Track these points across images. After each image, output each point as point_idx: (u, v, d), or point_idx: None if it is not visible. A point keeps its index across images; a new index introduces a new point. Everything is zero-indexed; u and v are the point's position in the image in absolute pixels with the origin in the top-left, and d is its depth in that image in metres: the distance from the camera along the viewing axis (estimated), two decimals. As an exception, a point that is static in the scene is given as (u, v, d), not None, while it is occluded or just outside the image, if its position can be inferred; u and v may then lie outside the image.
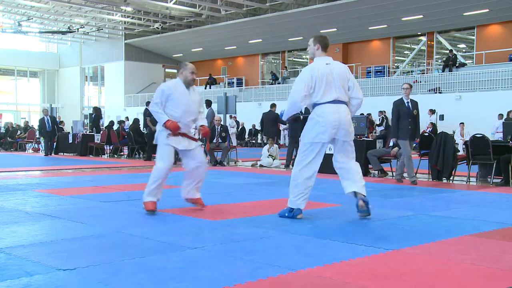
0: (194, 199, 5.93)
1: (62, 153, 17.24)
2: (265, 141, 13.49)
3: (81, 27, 34.05)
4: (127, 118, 27.21)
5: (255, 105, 29.66)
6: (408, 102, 8.91)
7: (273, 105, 14.18)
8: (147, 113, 15.06)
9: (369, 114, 21.21)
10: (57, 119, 20.87)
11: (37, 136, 20.92)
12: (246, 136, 27.42)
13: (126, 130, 17.53)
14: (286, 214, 5.20)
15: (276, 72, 34.50)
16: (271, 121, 13.23)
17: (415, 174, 9.04)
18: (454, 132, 16.81)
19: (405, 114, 8.80)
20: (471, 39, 27.01)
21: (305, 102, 5.15)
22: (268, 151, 12.78)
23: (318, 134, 5.11)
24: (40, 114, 17.46)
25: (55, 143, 17.04)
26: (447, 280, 3.19)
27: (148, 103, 16.50)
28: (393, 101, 9.22)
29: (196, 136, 6.96)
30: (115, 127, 18.78)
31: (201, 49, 36.04)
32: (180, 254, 3.73)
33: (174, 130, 5.50)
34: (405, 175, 9.77)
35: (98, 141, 16.46)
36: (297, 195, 5.13)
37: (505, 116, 16.93)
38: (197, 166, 5.82)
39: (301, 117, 11.90)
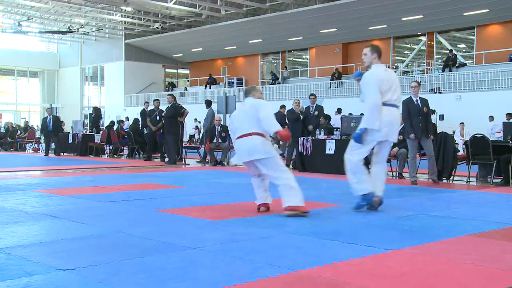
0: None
1: (62, 153, 17.24)
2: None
3: (81, 27, 34.04)
4: (127, 118, 27.19)
5: (255, 105, 29.61)
6: (417, 100, 8.93)
7: (282, 106, 14.15)
8: (146, 113, 15.07)
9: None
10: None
11: (37, 136, 20.94)
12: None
13: (126, 130, 17.54)
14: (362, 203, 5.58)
15: (276, 72, 34.50)
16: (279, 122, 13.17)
17: (416, 174, 9.04)
18: (454, 132, 16.80)
19: (415, 112, 8.82)
20: (471, 39, 27.01)
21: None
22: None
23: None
24: (41, 114, 17.46)
25: (53, 144, 17.01)
26: (447, 280, 3.19)
27: (146, 103, 16.49)
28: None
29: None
30: (114, 127, 18.78)
31: (201, 49, 36.04)
32: (180, 254, 3.73)
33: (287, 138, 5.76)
34: (405, 174, 9.78)
35: (98, 141, 16.46)
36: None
37: (504, 118, 16.93)
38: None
39: (301, 117, 11.92)
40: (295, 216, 5.25)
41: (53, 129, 16.50)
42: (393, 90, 5.58)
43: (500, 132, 13.67)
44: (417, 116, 8.79)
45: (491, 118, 18.38)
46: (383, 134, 5.53)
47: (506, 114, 18.06)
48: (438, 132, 9.87)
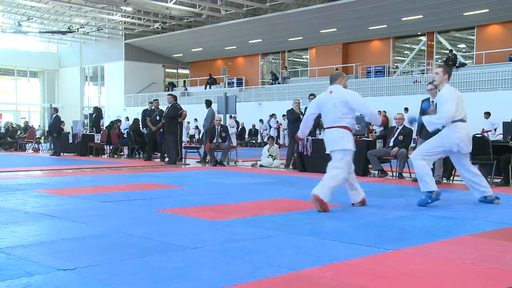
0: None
1: (62, 153, 17.24)
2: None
3: (81, 27, 34.04)
4: (127, 118, 27.19)
5: (255, 105, 29.67)
6: (433, 101, 8.93)
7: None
8: (147, 113, 15.07)
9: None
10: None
11: (37, 136, 20.96)
12: (246, 136, 27.42)
13: (126, 130, 17.53)
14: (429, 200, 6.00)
15: (276, 72, 34.50)
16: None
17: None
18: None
19: (430, 112, 8.84)
20: (471, 39, 27.01)
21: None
22: (268, 151, 12.79)
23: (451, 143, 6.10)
24: (41, 114, 17.43)
25: (51, 144, 17.00)
26: (447, 280, 3.19)
27: (151, 104, 16.46)
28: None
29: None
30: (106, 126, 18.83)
31: (201, 49, 36.04)
32: (180, 254, 3.73)
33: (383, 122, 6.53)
34: (405, 174, 9.78)
35: (98, 141, 16.46)
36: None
37: (504, 118, 16.91)
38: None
39: (301, 117, 11.91)
40: (316, 208, 5.63)
41: (50, 129, 16.51)
42: (463, 108, 6.22)
43: (494, 131, 13.49)
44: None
45: (487, 115, 18.40)
46: (457, 146, 6.11)
47: (485, 113, 18.18)
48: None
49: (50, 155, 16.56)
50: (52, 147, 17.63)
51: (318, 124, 11.76)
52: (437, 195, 5.99)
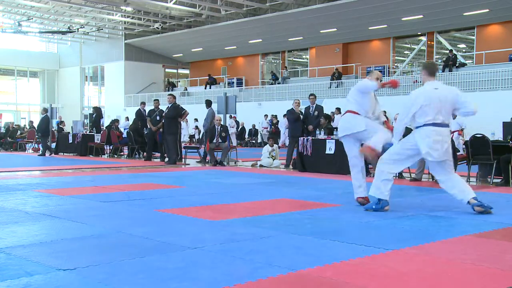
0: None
1: (62, 153, 17.25)
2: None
3: (81, 27, 34.04)
4: (127, 118, 27.21)
5: (255, 105, 29.66)
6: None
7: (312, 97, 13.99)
8: (146, 114, 15.07)
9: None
10: (57, 119, 20.82)
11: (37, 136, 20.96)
12: (246, 136, 27.43)
13: (126, 129, 17.54)
14: (373, 207, 5.73)
15: (276, 72, 34.50)
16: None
17: (420, 172, 9.09)
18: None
19: None
20: (471, 39, 27.01)
21: None
22: (269, 152, 12.79)
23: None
24: (41, 115, 17.38)
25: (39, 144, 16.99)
26: (447, 280, 3.19)
27: (143, 104, 16.47)
28: None
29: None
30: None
31: (201, 49, 36.04)
32: (180, 254, 3.73)
33: (395, 84, 6.00)
34: (405, 174, 9.79)
35: (98, 141, 16.46)
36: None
37: (504, 118, 16.85)
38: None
39: (301, 117, 11.92)
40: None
41: (41, 129, 16.46)
42: (435, 110, 5.66)
43: (458, 132, 13.13)
44: None
45: (454, 115, 18.22)
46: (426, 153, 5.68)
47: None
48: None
49: (38, 155, 16.52)
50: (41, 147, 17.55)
51: (318, 124, 11.79)
52: (383, 205, 5.70)
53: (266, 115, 26.47)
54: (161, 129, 13.67)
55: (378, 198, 5.72)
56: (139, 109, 16.05)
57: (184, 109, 13.66)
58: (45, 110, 17.20)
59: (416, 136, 5.63)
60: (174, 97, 13.63)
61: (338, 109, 20.01)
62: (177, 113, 13.23)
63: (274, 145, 13.20)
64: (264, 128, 26.23)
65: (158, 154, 14.58)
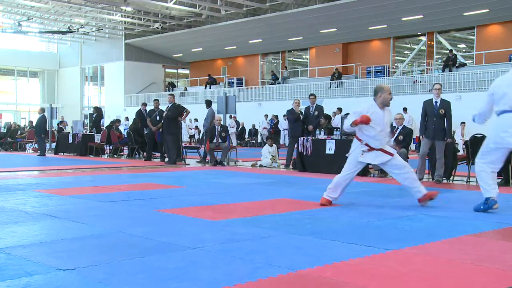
0: (423, 197, 6.10)
1: (62, 153, 17.25)
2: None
3: (81, 27, 34.04)
4: (126, 118, 27.21)
5: (255, 105, 29.66)
6: (436, 102, 8.97)
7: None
8: (147, 114, 15.08)
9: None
10: (59, 119, 20.83)
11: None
12: (246, 136, 27.43)
13: (126, 130, 17.52)
14: (481, 207, 5.64)
15: (276, 72, 34.50)
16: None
17: (422, 173, 9.07)
18: (454, 132, 16.78)
19: (432, 113, 8.91)
20: (471, 39, 27.01)
21: None
22: (269, 152, 12.79)
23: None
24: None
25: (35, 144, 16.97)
26: (447, 280, 3.19)
27: (144, 104, 16.48)
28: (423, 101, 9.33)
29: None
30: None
31: (201, 49, 36.04)
32: (180, 254, 3.73)
33: (366, 121, 5.92)
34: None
35: (98, 141, 16.46)
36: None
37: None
38: (399, 173, 6.13)
39: (301, 117, 11.91)
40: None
41: (38, 129, 16.45)
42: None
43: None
44: (432, 118, 8.87)
45: (405, 110, 19.12)
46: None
47: (403, 109, 18.76)
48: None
49: (38, 155, 16.49)
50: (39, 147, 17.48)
51: (318, 123, 11.79)
52: (491, 204, 5.69)
53: (266, 115, 26.53)
54: (160, 129, 13.68)
55: (485, 197, 5.74)
56: (140, 109, 16.06)
57: (185, 108, 13.69)
58: (42, 109, 17.17)
59: (497, 125, 5.63)
60: (173, 97, 13.62)
61: (340, 109, 20.00)
62: (178, 113, 13.25)
63: (274, 145, 13.20)
64: (264, 128, 26.26)
65: (158, 154, 14.58)
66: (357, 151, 6.16)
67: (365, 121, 5.93)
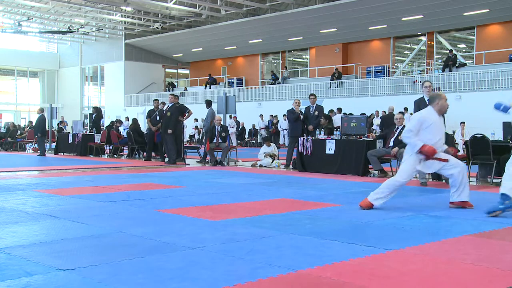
0: (458, 202, 6.10)
1: (62, 153, 17.24)
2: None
3: (81, 27, 34.05)
4: (127, 118, 27.20)
5: (255, 105, 29.67)
6: (428, 100, 8.87)
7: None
8: (147, 114, 15.07)
9: (371, 115, 21.20)
10: (59, 119, 20.81)
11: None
12: (246, 136, 27.44)
13: (126, 130, 17.51)
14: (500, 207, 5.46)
15: (276, 72, 34.50)
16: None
17: (426, 175, 9.00)
18: (454, 132, 16.79)
19: None
20: (471, 39, 27.01)
21: None
22: (269, 152, 12.79)
23: None
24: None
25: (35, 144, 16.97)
26: (447, 280, 3.19)
27: (162, 103, 16.36)
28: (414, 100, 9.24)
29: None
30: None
31: (201, 49, 36.05)
32: (180, 254, 3.73)
33: (431, 154, 5.87)
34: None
35: (98, 141, 16.46)
36: None
37: (504, 119, 16.90)
38: (453, 174, 6.06)
39: (301, 117, 11.91)
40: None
41: (37, 129, 16.44)
42: None
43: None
44: None
45: (378, 113, 19.26)
46: None
47: (404, 108, 18.68)
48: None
49: (38, 155, 16.49)
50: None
51: (318, 123, 11.79)
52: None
53: (261, 115, 26.52)
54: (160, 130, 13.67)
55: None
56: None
57: (188, 109, 13.69)
58: (41, 110, 17.18)
59: None
60: (175, 97, 13.56)
61: (339, 109, 20.00)
62: (182, 113, 13.28)
63: (272, 144, 13.20)
64: (262, 128, 26.26)
65: (158, 154, 14.58)
66: (414, 158, 5.98)
67: (430, 154, 5.85)
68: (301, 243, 4.13)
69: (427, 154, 5.86)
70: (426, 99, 8.89)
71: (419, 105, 8.88)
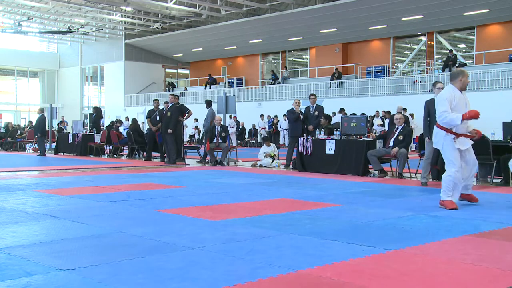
0: (466, 195, 6.18)
1: (62, 153, 17.24)
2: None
3: (81, 27, 34.05)
4: (127, 118, 27.20)
5: (255, 105, 29.68)
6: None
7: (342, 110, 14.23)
8: (147, 114, 15.07)
9: (372, 116, 21.19)
10: (59, 119, 20.81)
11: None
12: (246, 136, 27.44)
13: (125, 129, 17.51)
14: None
15: (276, 72, 34.51)
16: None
17: (427, 176, 8.99)
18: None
19: (434, 113, 8.74)
20: (471, 39, 27.01)
21: None
22: (269, 152, 12.79)
23: None
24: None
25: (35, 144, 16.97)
26: (447, 280, 3.19)
27: (165, 104, 16.33)
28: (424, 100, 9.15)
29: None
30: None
31: (201, 49, 36.05)
32: (180, 254, 3.73)
33: (477, 115, 5.76)
34: (405, 174, 9.77)
35: (98, 141, 16.46)
36: None
37: (504, 119, 16.89)
38: (467, 166, 6.11)
39: (301, 117, 11.91)
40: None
41: (37, 129, 16.43)
42: None
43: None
44: (435, 118, 8.67)
45: (405, 110, 19.03)
46: None
47: (403, 109, 18.55)
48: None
49: (38, 155, 16.49)
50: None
51: (318, 123, 11.79)
52: None
53: (262, 115, 26.56)
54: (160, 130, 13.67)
55: None
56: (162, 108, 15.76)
57: (188, 109, 13.70)
58: (41, 110, 17.18)
59: None
60: (175, 97, 13.56)
61: (342, 110, 19.97)
62: (182, 113, 13.28)
63: (272, 144, 13.20)
64: (262, 128, 26.27)
65: (158, 154, 14.58)
66: (447, 143, 5.93)
67: (475, 116, 5.75)
68: (301, 243, 4.13)
69: (474, 117, 5.79)
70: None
71: (428, 106, 8.74)
